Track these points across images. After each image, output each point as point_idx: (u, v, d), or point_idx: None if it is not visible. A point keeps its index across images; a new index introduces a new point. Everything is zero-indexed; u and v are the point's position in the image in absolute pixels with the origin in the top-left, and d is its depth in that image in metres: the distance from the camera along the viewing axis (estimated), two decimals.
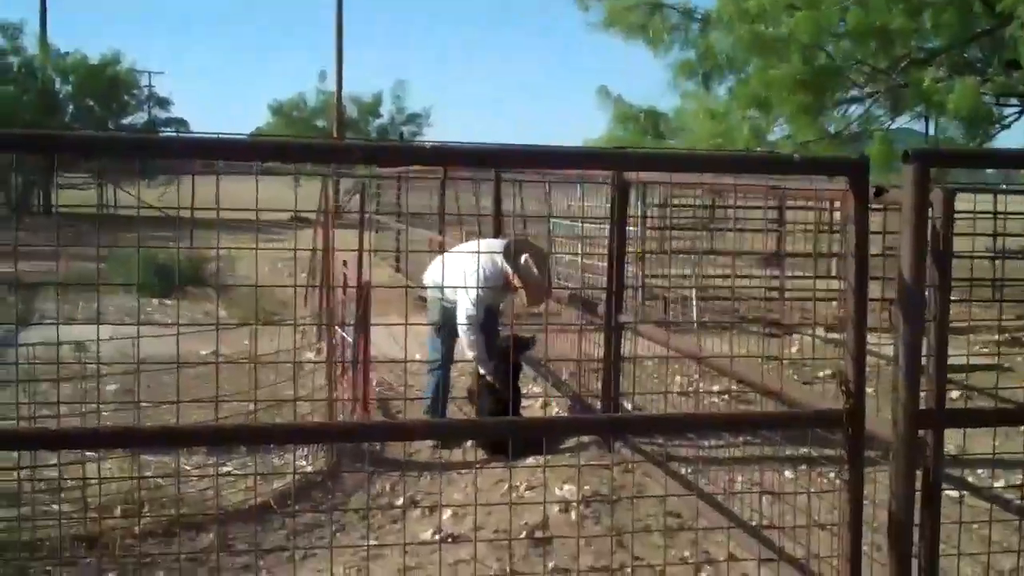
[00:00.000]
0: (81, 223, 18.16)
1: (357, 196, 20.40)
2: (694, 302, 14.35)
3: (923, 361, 4.24)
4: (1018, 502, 6.88)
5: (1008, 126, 16.42)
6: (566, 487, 7.37)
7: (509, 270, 8.54)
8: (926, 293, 4.19)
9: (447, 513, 6.89)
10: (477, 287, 8.41)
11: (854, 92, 15.99)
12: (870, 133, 15.69)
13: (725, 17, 15.80)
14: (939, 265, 4.22)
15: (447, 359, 9.18)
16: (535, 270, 8.51)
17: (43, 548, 6.15)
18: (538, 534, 6.49)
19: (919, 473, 4.31)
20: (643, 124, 18.21)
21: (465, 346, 8.73)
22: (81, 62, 41.90)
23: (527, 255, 8.55)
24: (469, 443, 8.51)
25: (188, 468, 7.54)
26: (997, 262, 15.92)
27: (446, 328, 8.92)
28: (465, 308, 8.58)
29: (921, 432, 4.28)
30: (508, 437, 7.40)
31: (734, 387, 9.25)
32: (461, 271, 8.58)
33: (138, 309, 14.30)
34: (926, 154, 4.25)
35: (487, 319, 8.86)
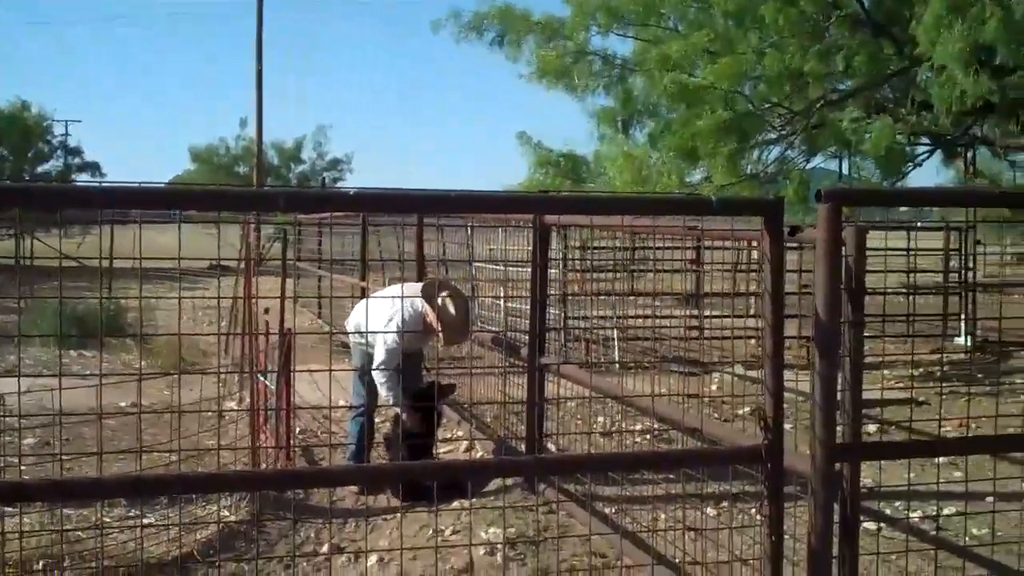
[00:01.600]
0: None
1: (277, 243, 20.31)
2: (615, 343, 14.47)
3: (839, 396, 4.31)
4: (933, 532, 7.02)
5: (920, 164, 16.83)
6: (491, 530, 7.37)
7: (428, 311, 8.54)
8: (841, 329, 4.27)
9: (372, 559, 6.86)
10: (394, 331, 8.39)
11: (770, 135, 16.24)
12: (786, 174, 15.94)
13: (647, 64, 16.00)
14: (853, 301, 4.31)
15: (370, 404, 9.09)
16: (452, 310, 8.52)
17: None
18: None
19: (837, 507, 4.38)
20: (563, 169, 18.26)
21: (380, 389, 8.68)
22: None
23: (444, 295, 8.58)
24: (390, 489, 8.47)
25: (108, 521, 7.43)
26: (910, 297, 16.26)
27: (368, 373, 8.84)
28: (381, 352, 8.56)
29: (838, 465, 4.35)
30: (430, 481, 7.37)
31: (656, 426, 9.34)
32: (381, 315, 8.61)
33: (60, 361, 14.10)
34: (838, 193, 4.36)
35: (408, 364, 8.79)
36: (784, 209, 4.37)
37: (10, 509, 6.95)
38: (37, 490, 4.14)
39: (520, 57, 18.44)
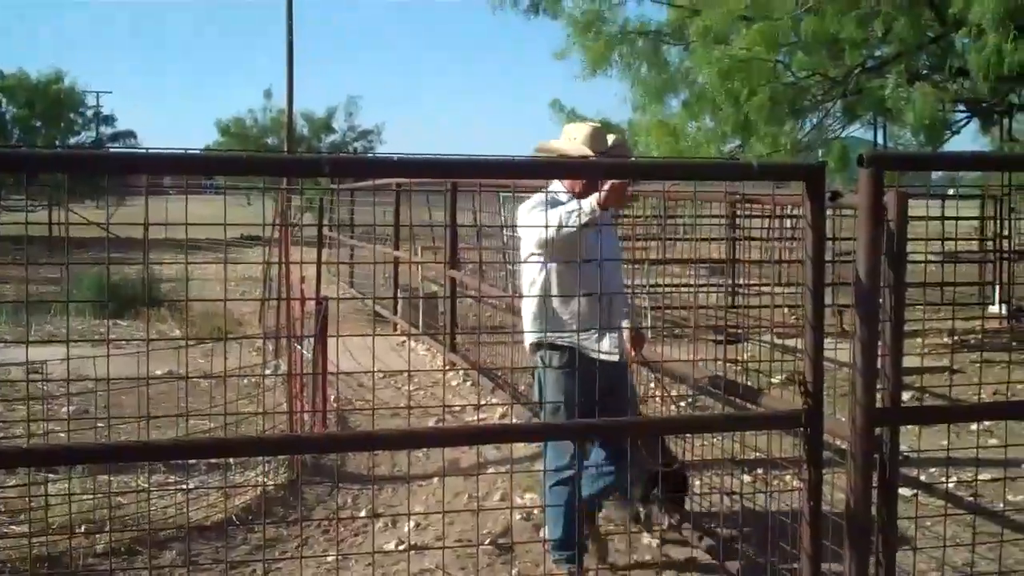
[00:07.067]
0: (30, 246, 18.07)
1: (308, 213, 20.35)
2: (648, 311, 14.44)
3: (878, 362, 4.30)
4: (969, 499, 7.02)
5: (958, 132, 16.73)
6: (528, 496, 7.43)
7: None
8: (881, 294, 4.26)
9: (410, 524, 6.92)
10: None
11: (807, 103, 16.14)
12: (824, 143, 15.89)
13: (690, 36, 15.93)
14: (894, 266, 4.30)
15: (578, 464, 5.73)
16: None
17: (4, 570, 6.12)
18: (501, 542, 6.55)
19: (875, 473, 4.38)
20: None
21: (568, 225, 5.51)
22: (23, 81, 41.52)
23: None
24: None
25: (148, 486, 7.52)
26: (947, 266, 16.17)
27: (555, 385, 5.92)
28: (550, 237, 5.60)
29: (878, 430, 4.35)
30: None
31: (691, 394, 9.36)
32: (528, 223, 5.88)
33: (108, 328, 14.23)
34: (880, 157, 4.32)
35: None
36: (825, 174, 4.35)
37: (53, 475, 7.05)
38: (86, 452, 4.20)
39: (569, 52, 18.40)
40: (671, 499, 6.38)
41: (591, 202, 5.39)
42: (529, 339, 6.06)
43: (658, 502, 6.48)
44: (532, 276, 5.95)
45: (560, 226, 5.44)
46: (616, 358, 5.94)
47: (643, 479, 6.23)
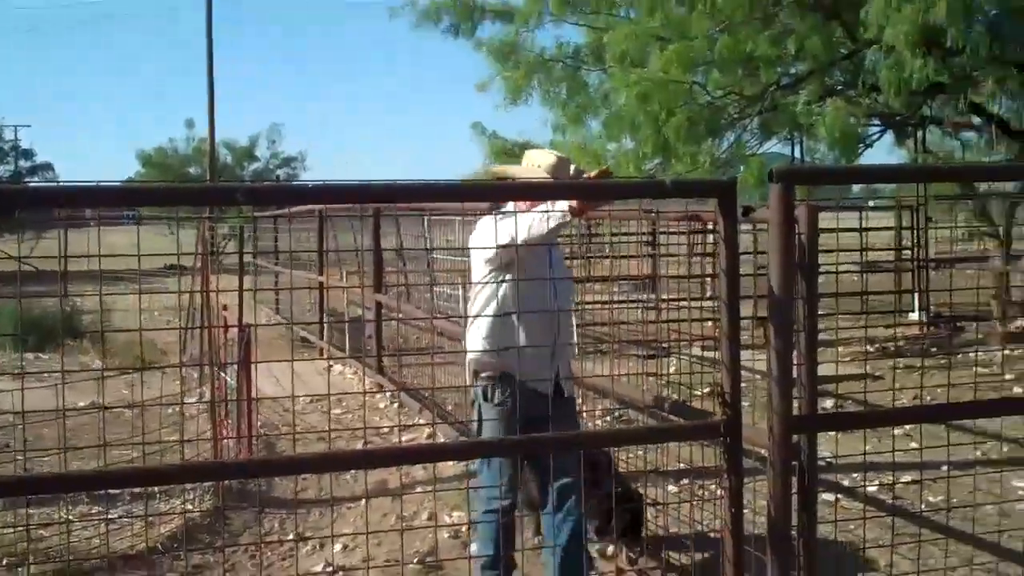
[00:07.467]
0: None
1: (233, 241, 20.24)
2: (575, 329, 14.52)
3: (795, 371, 4.37)
4: (889, 501, 7.15)
5: (871, 145, 17.01)
6: (455, 514, 7.44)
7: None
8: (794, 304, 4.34)
9: (337, 546, 6.90)
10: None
11: (724, 121, 16.27)
12: (741, 159, 16.04)
13: (607, 61, 16.04)
14: (806, 277, 4.38)
15: (511, 491, 5.93)
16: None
17: None
18: (429, 560, 6.55)
19: (795, 479, 4.44)
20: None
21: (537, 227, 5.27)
22: None
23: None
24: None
25: (72, 518, 7.44)
26: (863, 275, 16.45)
27: (492, 412, 5.77)
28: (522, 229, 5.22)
29: (796, 438, 4.41)
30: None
31: (616, 408, 9.43)
32: (484, 243, 5.64)
33: (21, 360, 14.03)
34: (789, 172, 4.43)
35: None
36: (737, 189, 4.44)
37: None
38: (5, 486, 4.14)
39: (489, 85, 18.45)
40: (630, 532, 6.35)
41: (562, 205, 5.13)
42: (471, 365, 5.83)
43: (616, 536, 6.42)
44: (484, 298, 5.73)
45: (531, 225, 5.20)
46: (557, 390, 5.76)
47: (599, 511, 6.19)
